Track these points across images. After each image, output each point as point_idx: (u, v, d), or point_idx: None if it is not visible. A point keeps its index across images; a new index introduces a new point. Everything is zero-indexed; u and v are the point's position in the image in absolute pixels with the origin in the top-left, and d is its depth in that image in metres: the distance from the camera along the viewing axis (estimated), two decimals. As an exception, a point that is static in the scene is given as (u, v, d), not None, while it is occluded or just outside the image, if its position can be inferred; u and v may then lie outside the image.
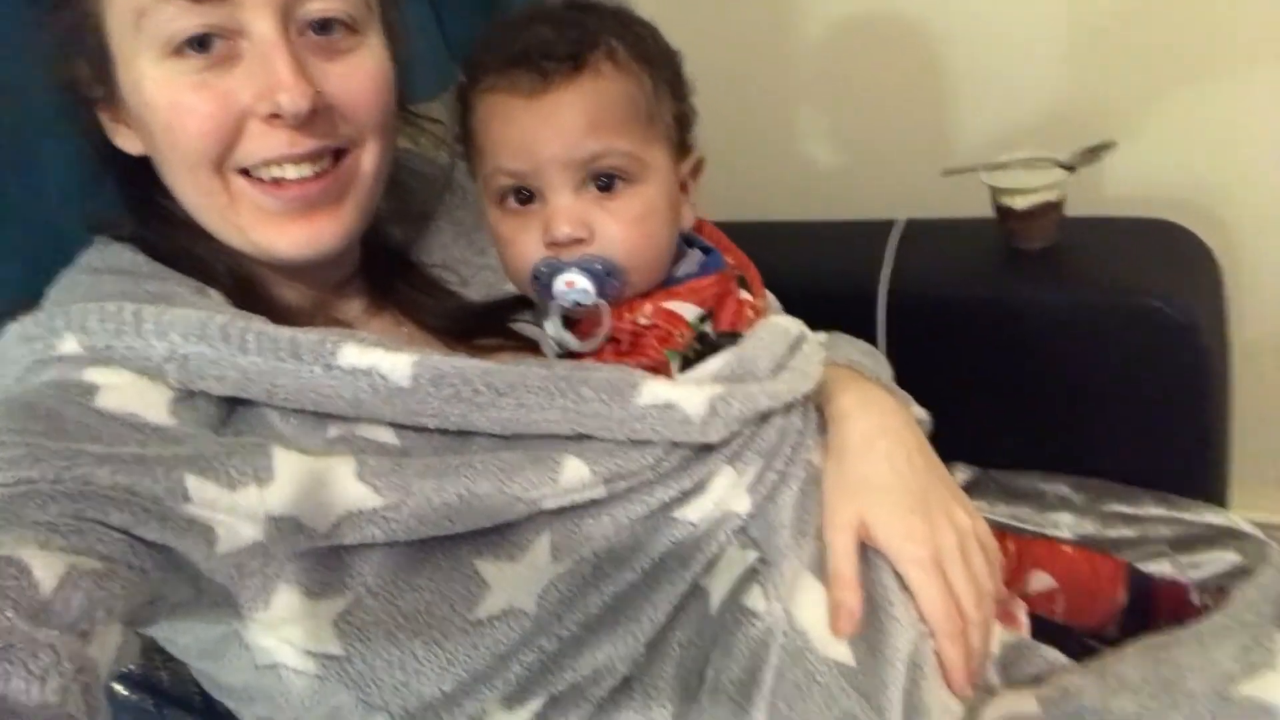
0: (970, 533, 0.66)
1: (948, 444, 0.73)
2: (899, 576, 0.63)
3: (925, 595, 0.63)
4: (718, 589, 0.61)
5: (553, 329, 0.66)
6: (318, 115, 0.59)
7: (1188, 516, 0.89)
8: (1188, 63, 1.07)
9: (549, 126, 0.62)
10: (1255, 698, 0.55)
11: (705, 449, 0.61)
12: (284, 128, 0.58)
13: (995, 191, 1.01)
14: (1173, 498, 0.91)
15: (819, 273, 1.08)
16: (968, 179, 1.02)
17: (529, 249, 0.65)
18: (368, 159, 0.63)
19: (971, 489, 0.94)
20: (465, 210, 0.80)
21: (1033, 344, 1.00)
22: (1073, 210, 1.01)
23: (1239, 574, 0.81)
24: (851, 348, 0.77)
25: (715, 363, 0.64)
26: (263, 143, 0.59)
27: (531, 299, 0.70)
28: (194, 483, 0.49)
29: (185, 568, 0.50)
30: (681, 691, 0.60)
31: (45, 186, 0.79)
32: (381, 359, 0.55)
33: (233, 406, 0.56)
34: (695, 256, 0.71)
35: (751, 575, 0.61)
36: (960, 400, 0.95)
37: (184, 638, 0.61)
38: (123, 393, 0.53)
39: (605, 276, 0.64)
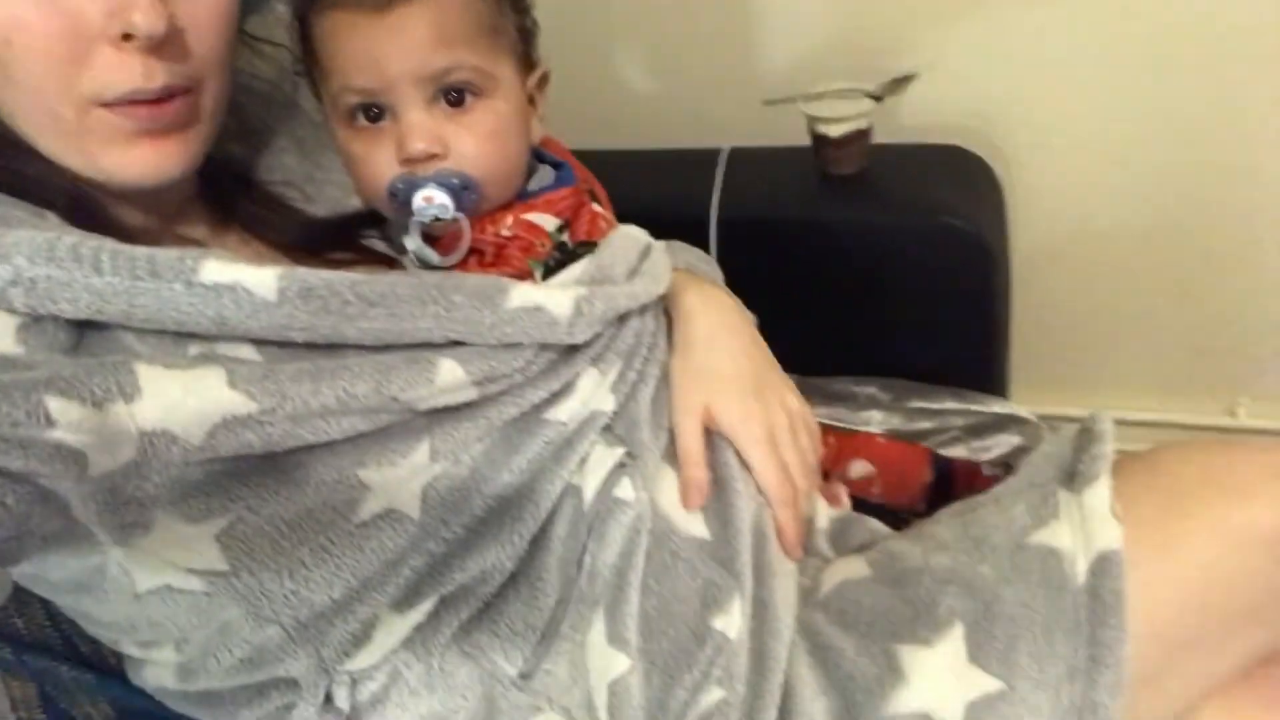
0: (799, 415, 0.74)
1: (773, 354, 0.81)
2: (739, 455, 0.70)
3: (763, 469, 0.70)
4: (590, 483, 0.65)
5: (413, 244, 0.66)
6: (168, 42, 0.56)
7: (977, 407, 1.02)
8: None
9: (396, 42, 0.62)
10: (1045, 544, 0.64)
11: (571, 351, 0.65)
12: (137, 52, 0.56)
13: (811, 120, 1.09)
14: (965, 392, 1.05)
15: (654, 199, 1.12)
16: (786, 109, 1.10)
17: (382, 167, 0.65)
18: (212, 93, 0.62)
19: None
20: (306, 128, 0.78)
21: (845, 260, 1.10)
22: (879, 137, 1.11)
23: (1021, 452, 0.95)
24: (689, 253, 0.83)
25: (576, 269, 0.68)
26: (116, 72, 0.56)
27: (386, 216, 0.71)
28: (56, 405, 0.46)
29: (53, 499, 0.48)
30: (563, 580, 0.64)
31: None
32: (245, 274, 0.54)
33: (83, 331, 0.54)
34: (547, 171, 0.74)
35: (619, 469, 0.66)
36: (783, 313, 1.03)
37: (55, 573, 0.59)
38: None
39: (462, 190, 0.65)
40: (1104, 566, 0.61)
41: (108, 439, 0.49)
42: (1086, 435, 0.69)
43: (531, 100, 0.71)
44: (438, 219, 0.65)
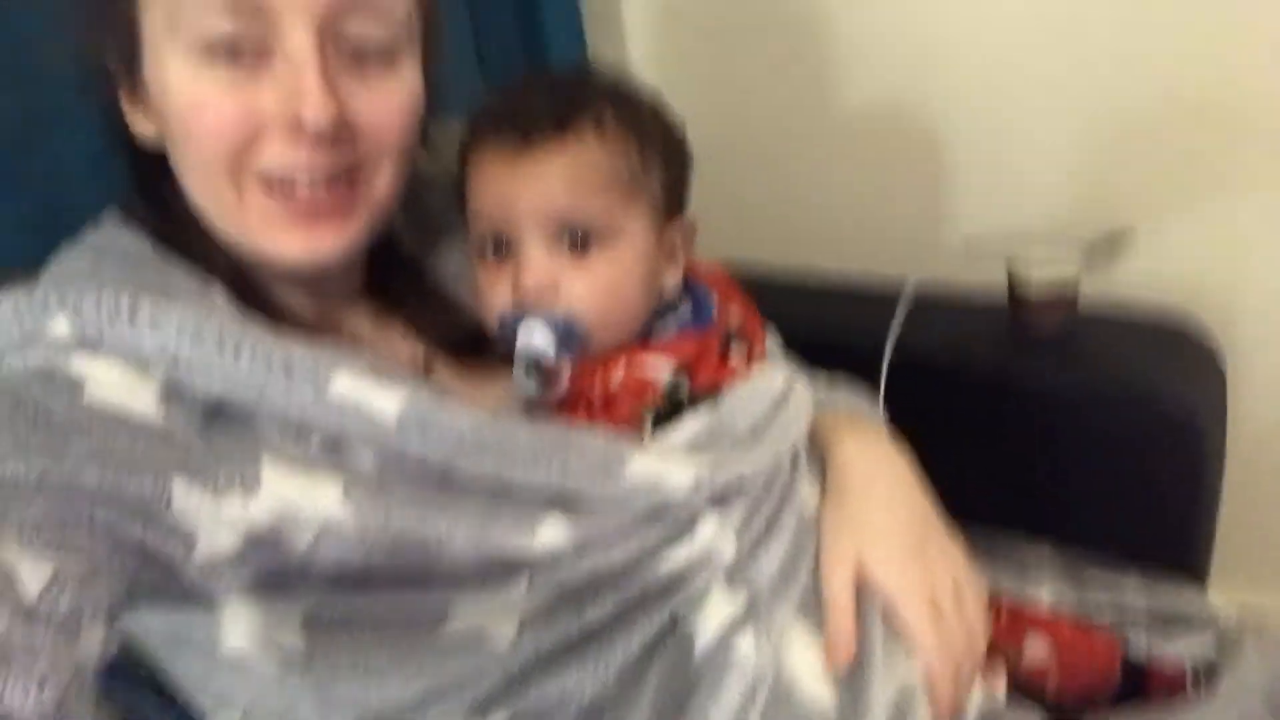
0: (967, 580, 0.67)
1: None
2: (887, 623, 0.63)
3: (921, 636, 0.63)
4: (704, 631, 0.61)
5: (517, 378, 0.66)
6: (339, 133, 0.58)
7: (1167, 597, 0.89)
8: (1208, 162, 1.08)
9: (527, 181, 0.64)
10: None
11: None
12: (303, 141, 0.57)
13: (1012, 269, 1.01)
14: (1153, 575, 0.91)
15: (826, 326, 1.08)
16: (985, 251, 1.03)
17: (499, 299, 0.66)
18: (382, 180, 0.63)
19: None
20: None
21: (1032, 427, 1.00)
22: (1085, 296, 1.02)
23: (1213, 662, 0.82)
24: (853, 395, 0.79)
25: (692, 424, 0.64)
26: (280, 154, 0.58)
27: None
28: (180, 488, 0.49)
29: (161, 561, 0.50)
30: None
31: (64, 159, 0.79)
32: (371, 394, 0.55)
33: (220, 406, 0.55)
34: (683, 310, 0.71)
35: (741, 619, 0.61)
36: (952, 471, 0.95)
37: (153, 623, 0.60)
38: (110, 387, 0.52)
39: (566, 333, 0.64)
40: None
41: (218, 528, 0.50)
42: None
43: (672, 251, 0.70)
44: (539, 355, 0.64)
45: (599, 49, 1.33)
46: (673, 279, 0.70)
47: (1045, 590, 0.87)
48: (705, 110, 1.39)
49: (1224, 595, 0.90)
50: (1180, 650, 0.83)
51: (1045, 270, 0.99)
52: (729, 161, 1.39)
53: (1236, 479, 1.04)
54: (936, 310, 1.08)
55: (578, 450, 0.59)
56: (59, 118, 0.75)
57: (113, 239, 0.62)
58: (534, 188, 0.64)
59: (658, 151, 0.67)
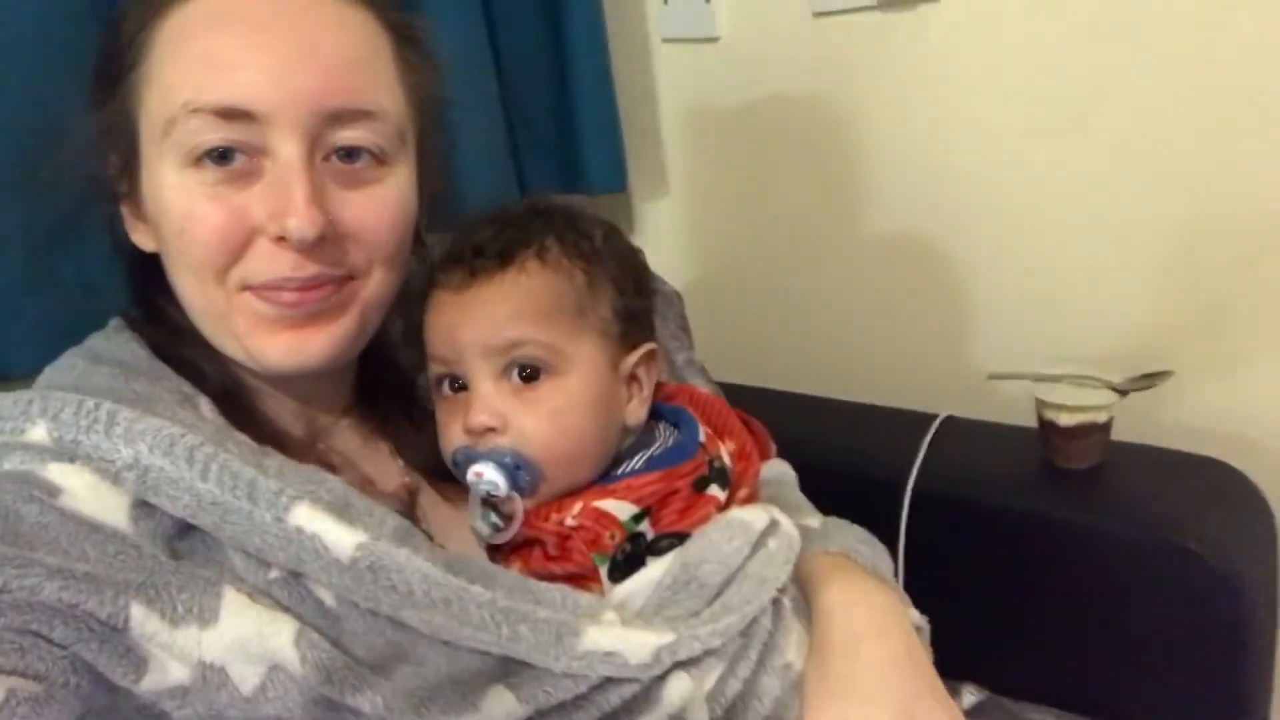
0: None
1: (957, 660, 0.68)
2: None
3: None
4: None
5: (471, 518, 0.64)
6: (326, 242, 0.59)
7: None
8: (1253, 305, 1.04)
9: (469, 316, 0.63)
10: None
11: None
12: (289, 250, 0.58)
13: (1041, 404, 0.98)
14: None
15: (849, 456, 1.05)
16: (1013, 386, 0.99)
17: (452, 436, 0.65)
18: (371, 286, 0.63)
19: (976, 715, 0.88)
20: None
21: (1061, 568, 0.95)
22: (1119, 434, 0.97)
23: None
24: (849, 534, 0.74)
25: (654, 571, 0.61)
26: (268, 262, 0.59)
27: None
28: (138, 612, 0.49)
29: (110, 686, 0.49)
30: None
31: (89, 260, 0.81)
32: (328, 529, 0.54)
33: (188, 524, 0.55)
34: (660, 446, 0.68)
35: None
36: (976, 614, 0.90)
37: None
38: (84, 496, 0.53)
39: (515, 469, 0.62)
40: None
41: (169, 658, 0.50)
42: None
43: (633, 379, 0.68)
44: (490, 495, 0.63)
45: (635, 170, 1.35)
46: (636, 410, 0.68)
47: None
48: (735, 236, 1.41)
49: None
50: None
51: (1076, 406, 0.95)
52: (756, 287, 1.39)
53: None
54: (963, 440, 1.04)
55: (530, 618, 0.56)
56: (86, 223, 0.77)
57: (110, 346, 0.63)
58: (477, 318, 0.63)
59: (608, 278, 0.66)
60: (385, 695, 0.53)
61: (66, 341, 0.65)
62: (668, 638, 0.57)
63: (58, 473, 0.53)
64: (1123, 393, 0.95)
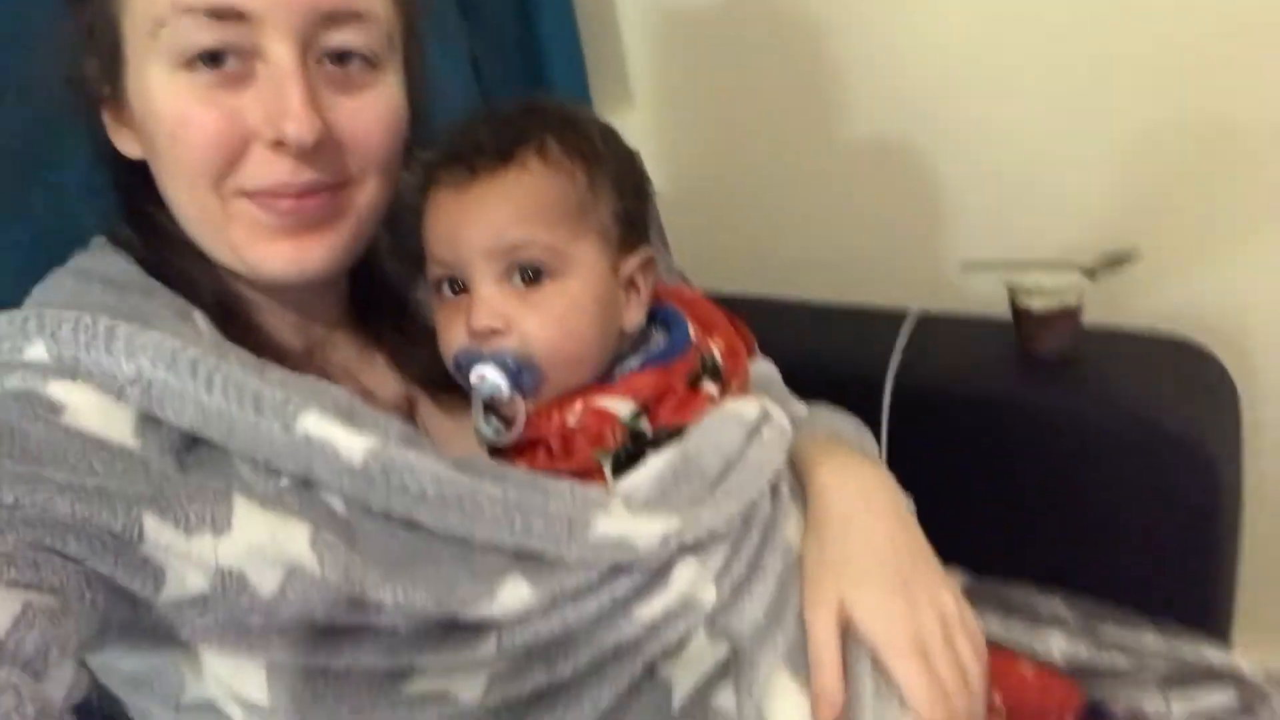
0: (955, 617, 0.63)
1: (941, 547, 0.70)
2: (877, 667, 0.60)
3: (911, 685, 0.59)
4: (682, 683, 0.58)
5: (475, 420, 0.64)
6: (322, 147, 0.57)
7: (1186, 652, 0.85)
8: (1221, 185, 1.05)
9: (471, 217, 0.62)
10: None
11: None
12: (287, 155, 0.57)
13: (1013, 291, 0.99)
14: (1172, 630, 0.87)
15: (825, 356, 1.06)
16: (986, 280, 1.00)
17: (453, 339, 0.64)
18: (366, 194, 0.62)
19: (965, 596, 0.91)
20: None
21: (1038, 452, 0.97)
22: (1090, 319, 0.99)
23: (1233, 714, 0.77)
24: (834, 418, 0.75)
25: (655, 465, 0.61)
26: (264, 169, 0.57)
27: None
28: (151, 523, 0.48)
29: (129, 598, 0.48)
30: None
31: (65, 182, 0.78)
32: (338, 435, 0.53)
33: (195, 436, 0.54)
34: (654, 345, 0.69)
35: (721, 670, 0.58)
36: (959, 503, 0.92)
37: (123, 664, 0.57)
38: (87, 413, 0.51)
39: (518, 371, 0.62)
40: None
41: (187, 567, 0.49)
42: None
43: (631, 283, 0.67)
44: (494, 397, 0.62)
45: (597, 78, 1.33)
46: (634, 314, 0.67)
47: (1057, 645, 0.84)
48: (704, 143, 1.39)
49: (1248, 650, 0.84)
50: (1198, 704, 0.78)
51: (1047, 291, 0.96)
52: (728, 194, 1.38)
53: (1257, 524, 1.00)
54: (938, 335, 1.05)
55: (541, 511, 0.56)
56: (59, 142, 0.74)
57: (98, 264, 0.61)
58: (479, 220, 0.62)
59: (608, 180, 0.65)
60: (406, 587, 0.52)
61: (41, 270, 0.62)
62: (674, 523, 0.58)
63: (60, 390, 0.51)
64: (1092, 273, 0.96)
